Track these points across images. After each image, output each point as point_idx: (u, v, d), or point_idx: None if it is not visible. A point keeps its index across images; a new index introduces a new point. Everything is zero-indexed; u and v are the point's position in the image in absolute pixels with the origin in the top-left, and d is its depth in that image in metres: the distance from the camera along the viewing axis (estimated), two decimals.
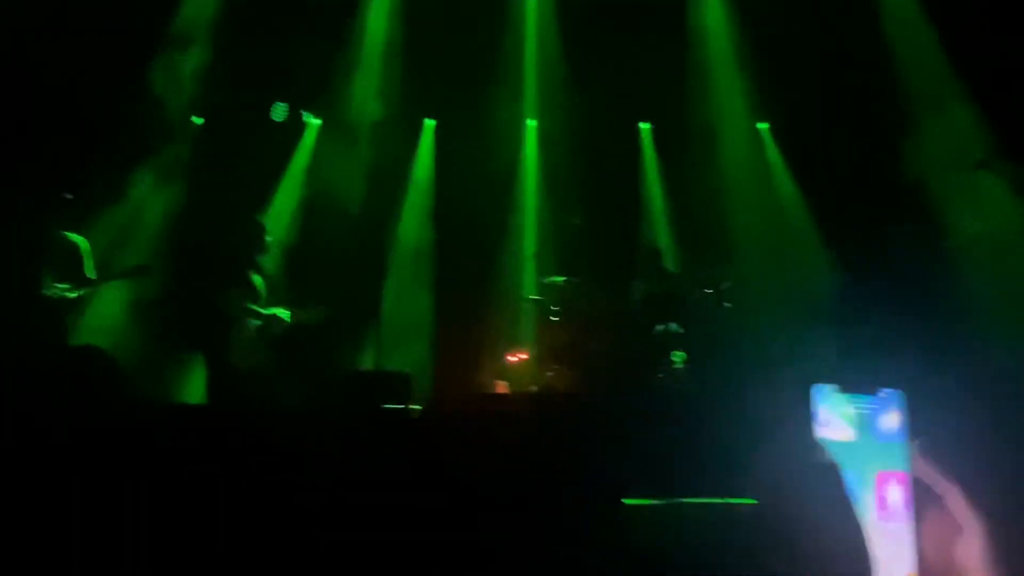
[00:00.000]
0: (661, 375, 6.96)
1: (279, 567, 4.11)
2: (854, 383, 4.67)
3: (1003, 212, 6.99)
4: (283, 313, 6.49)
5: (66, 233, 6.05)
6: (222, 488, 4.69)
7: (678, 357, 7.08)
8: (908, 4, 7.84)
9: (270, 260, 6.82)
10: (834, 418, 4.30)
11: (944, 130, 7.61)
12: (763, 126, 8.65)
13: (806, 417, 4.20)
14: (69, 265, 5.99)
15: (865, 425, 4.25)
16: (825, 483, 3.53)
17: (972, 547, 3.15)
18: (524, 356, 7.91)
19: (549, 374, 7.40)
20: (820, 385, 4.50)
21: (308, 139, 8.52)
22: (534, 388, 7.45)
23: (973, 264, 6.83)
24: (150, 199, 7.94)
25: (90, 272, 6.05)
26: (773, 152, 8.67)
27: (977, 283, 6.76)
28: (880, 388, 4.57)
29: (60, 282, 5.95)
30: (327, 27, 8.06)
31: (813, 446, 4.16)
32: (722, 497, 5.42)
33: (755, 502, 5.11)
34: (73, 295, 5.99)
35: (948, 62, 7.64)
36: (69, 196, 6.10)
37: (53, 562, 3.70)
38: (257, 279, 6.41)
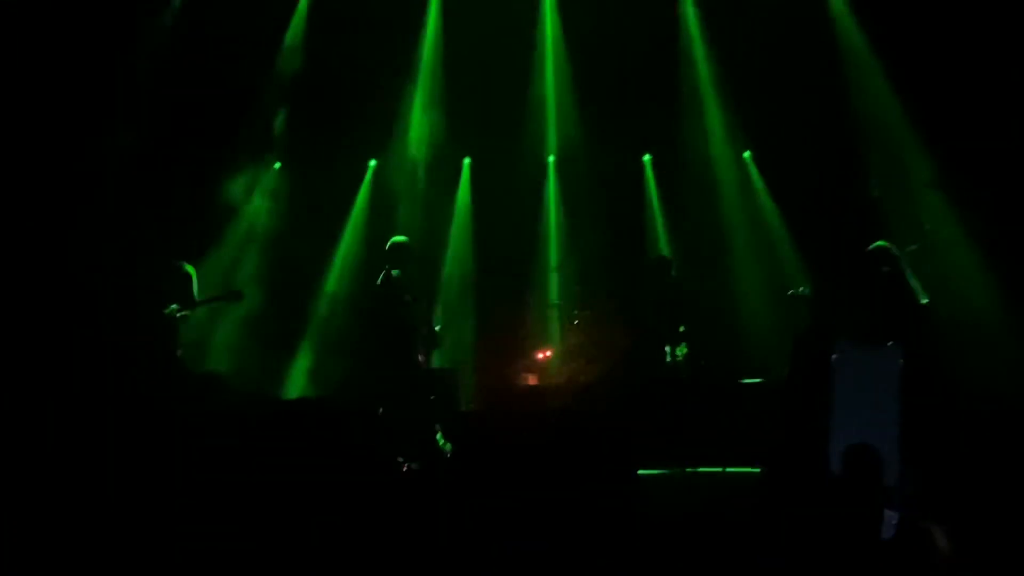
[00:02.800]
0: (668, 366, 6.96)
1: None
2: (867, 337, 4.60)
3: (945, 223, 7.00)
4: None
5: (180, 263, 6.32)
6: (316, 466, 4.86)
7: (680, 351, 7.08)
8: (861, 46, 7.86)
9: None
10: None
11: (895, 154, 7.64)
12: (747, 155, 8.63)
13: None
14: (181, 290, 6.24)
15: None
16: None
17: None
18: (549, 353, 7.99)
19: (571, 368, 7.45)
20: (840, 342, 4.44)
21: (369, 177, 8.63)
22: (559, 380, 7.51)
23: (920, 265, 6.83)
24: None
25: (196, 296, 6.31)
26: (756, 176, 8.65)
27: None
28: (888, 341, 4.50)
29: (174, 303, 6.15)
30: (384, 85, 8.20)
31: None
32: (724, 467, 5.58)
33: (758, 471, 5.22)
34: (182, 314, 6.19)
35: (896, 96, 7.63)
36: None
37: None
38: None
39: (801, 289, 6.89)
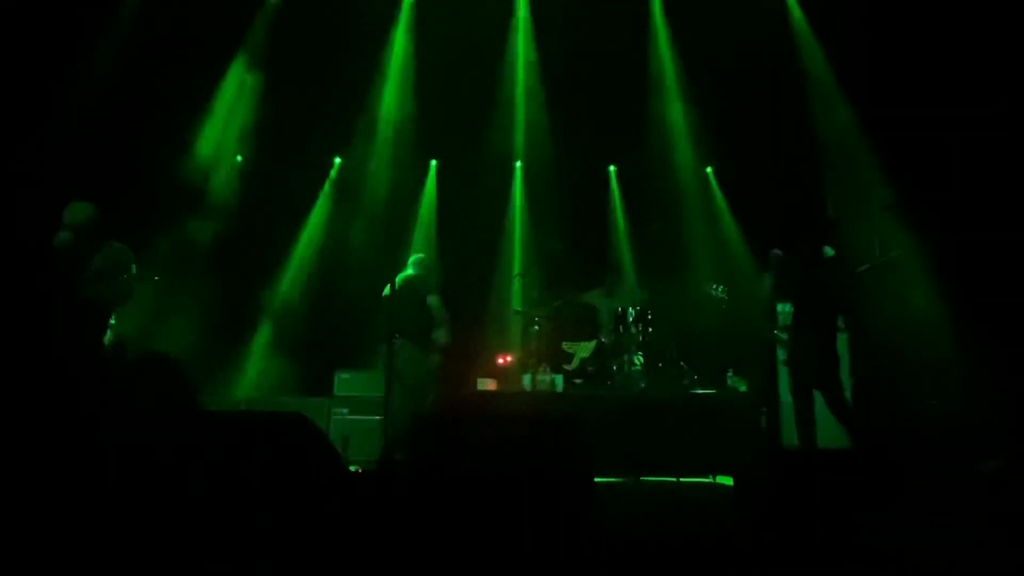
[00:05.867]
0: (624, 374, 7.03)
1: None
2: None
3: (901, 246, 7.19)
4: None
5: (116, 243, 5.30)
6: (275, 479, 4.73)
7: (638, 360, 7.17)
8: (827, 75, 8.06)
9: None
10: None
11: (855, 179, 7.83)
12: (709, 170, 8.80)
13: None
14: (113, 273, 5.18)
15: None
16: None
17: None
18: (510, 359, 7.97)
19: (531, 374, 7.44)
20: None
21: (333, 175, 8.57)
22: (518, 386, 7.50)
23: (875, 286, 7.00)
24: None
25: (131, 283, 5.26)
26: (716, 190, 8.81)
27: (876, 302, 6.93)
28: None
29: (103, 286, 5.13)
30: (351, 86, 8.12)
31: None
32: (678, 476, 5.65)
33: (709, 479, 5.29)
34: (111, 300, 5.17)
35: (858, 124, 7.84)
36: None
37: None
38: None
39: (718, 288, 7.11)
